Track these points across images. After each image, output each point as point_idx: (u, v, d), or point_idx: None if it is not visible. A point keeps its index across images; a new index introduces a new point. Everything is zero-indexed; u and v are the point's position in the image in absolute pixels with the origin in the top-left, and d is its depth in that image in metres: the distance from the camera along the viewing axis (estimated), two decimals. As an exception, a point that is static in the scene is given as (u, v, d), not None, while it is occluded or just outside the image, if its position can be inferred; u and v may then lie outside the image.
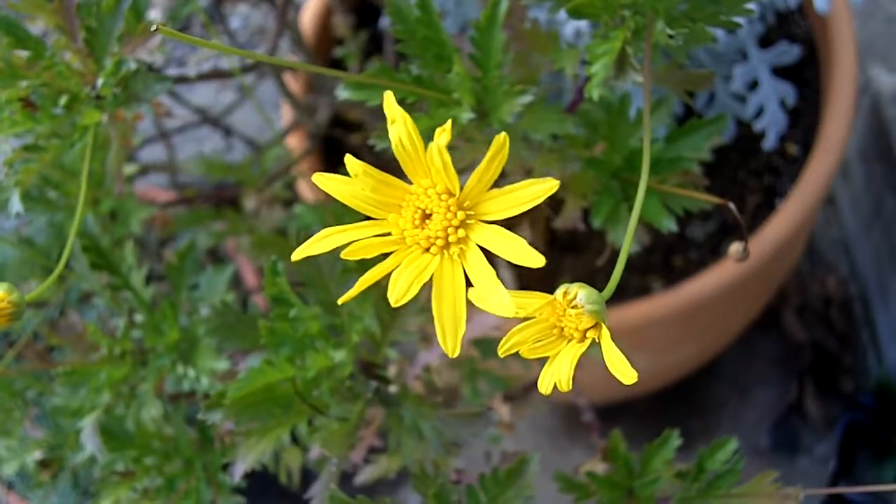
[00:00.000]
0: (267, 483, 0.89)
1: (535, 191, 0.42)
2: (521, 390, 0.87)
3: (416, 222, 0.44)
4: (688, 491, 0.68)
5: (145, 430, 0.75)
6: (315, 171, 1.16)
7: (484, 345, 0.82)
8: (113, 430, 0.73)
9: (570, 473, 0.71)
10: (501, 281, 0.43)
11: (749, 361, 1.48)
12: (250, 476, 0.64)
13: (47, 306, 0.97)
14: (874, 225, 1.41)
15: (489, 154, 0.42)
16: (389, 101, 0.44)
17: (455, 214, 0.43)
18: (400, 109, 0.43)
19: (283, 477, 0.85)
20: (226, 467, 0.75)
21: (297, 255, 0.44)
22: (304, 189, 1.15)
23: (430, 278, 0.44)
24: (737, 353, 1.47)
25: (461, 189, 0.43)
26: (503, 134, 0.42)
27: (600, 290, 0.45)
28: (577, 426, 1.44)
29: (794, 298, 1.48)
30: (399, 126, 0.43)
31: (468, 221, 0.44)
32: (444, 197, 0.43)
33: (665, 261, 1.15)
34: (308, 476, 0.91)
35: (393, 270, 0.43)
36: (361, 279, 0.43)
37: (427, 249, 0.44)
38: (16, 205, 0.64)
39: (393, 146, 0.43)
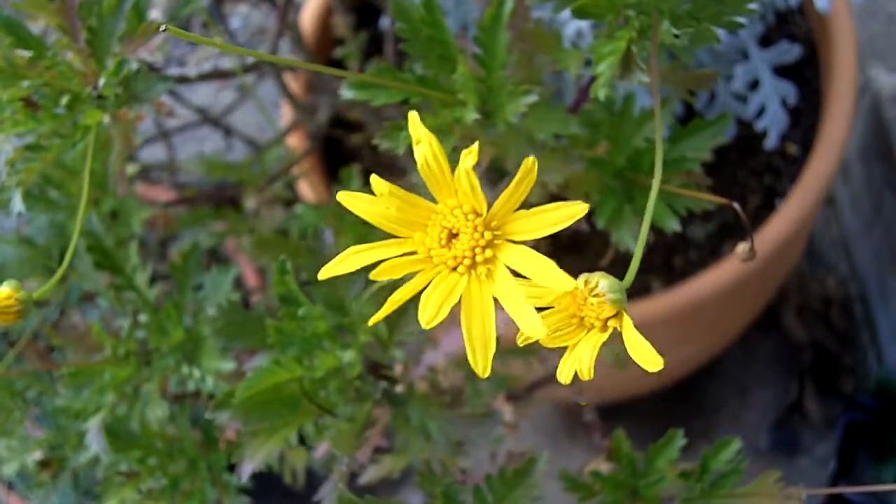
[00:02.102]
0: (270, 483, 0.88)
1: (564, 213, 0.42)
2: (524, 390, 0.87)
3: (443, 242, 0.44)
4: (692, 491, 0.68)
5: (150, 430, 0.75)
6: (315, 172, 1.17)
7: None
8: (117, 431, 0.73)
9: (574, 473, 0.71)
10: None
11: (749, 361, 1.48)
12: (253, 477, 0.64)
13: (48, 306, 0.96)
14: (874, 225, 1.41)
15: (517, 177, 0.42)
16: (415, 121, 0.43)
17: (482, 234, 0.43)
18: (425, 129, 0.43)
19: (288, 477, 0.85)
20: (231, 467, 0.75)
21: (323, 273, 0.44)
22: (304, 189, 1.15)
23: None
24: (737, 354, 1.47)
25: (488, 209, 0.43)
26: (532, 158, 0.41)
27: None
28: (578, 426, 1.44)
29: (794, 298, 1.48)
30: (425, 146, 0.43)
31: (495, 242, 0.44)
32: (470, 217, 0.43)
33: (665, 261, 1.15)
34: (312, 476, 0.91)
35: (421, 291, 0.43)
36: (390, 300, 0.43)
37: (454, 269, 0.44)
38: (17, 204, 0.64)
39: (418, 166, 0.43)
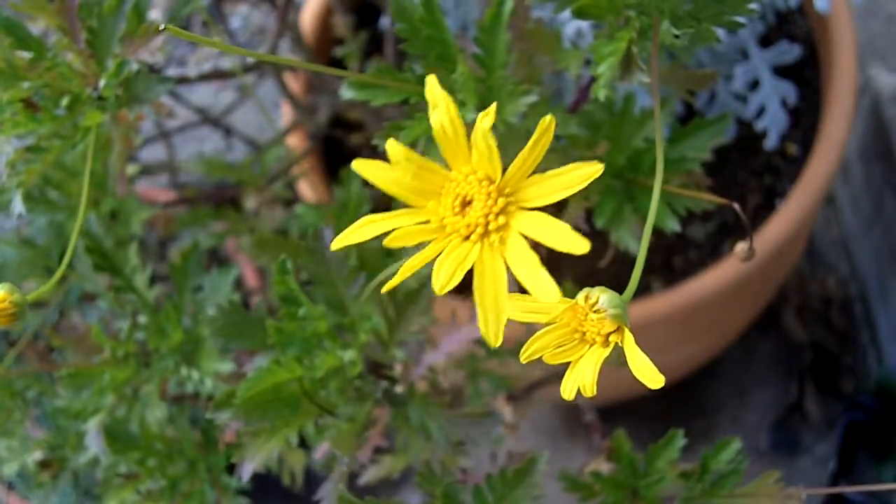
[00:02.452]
0: (269, 485, 0.88)
1: (578, 175, 0.41)
2: (524, 390, 0.87)
3: (456, 209, 0.43)
4: (692, 491, 0.68)
5: (149, 432, 0.75)
6: (315, 172, 1.17)
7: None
8: (117, 433, 0.73)
9: (574, 473, 0.71)
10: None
11: (749, 362, 1.48)
12: (253, 478, 0.64)
13: (47, 307, 0.96)
14: (874, 225, 1.41)
15: (534, 137, 0.41)
16: (432, 85, 0.43)
17: (496, 201, 0.42)
18: (443, 92, 0.42)
19: (287, 479, 0.85)
20: (230, 469, 0.75)
21: (337, 242, 0.44)
22: (304, 189, 1.15)
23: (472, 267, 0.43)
24: (737, 354, 1.47)
25: (503, 174, 0.43)
26: (549, 116, 0.41)
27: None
28: (578, 427, 1.44)
29: (794, 298, 1.48)
30: (441, 111, 0.42)
31: (509, 209, 0.43)
32: (484, 183, 0.43)
33: (665, 261, 1.15)
34: (310, 477, 0.91)
35: (435, 258, 0.43)
36: (405, 265, 0.42)
37: (467, 237, 0.43)
38: (18, 206, 0.64)
39: (434, 131, 0.42)
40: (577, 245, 0.41)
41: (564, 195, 0.42)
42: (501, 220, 0.43)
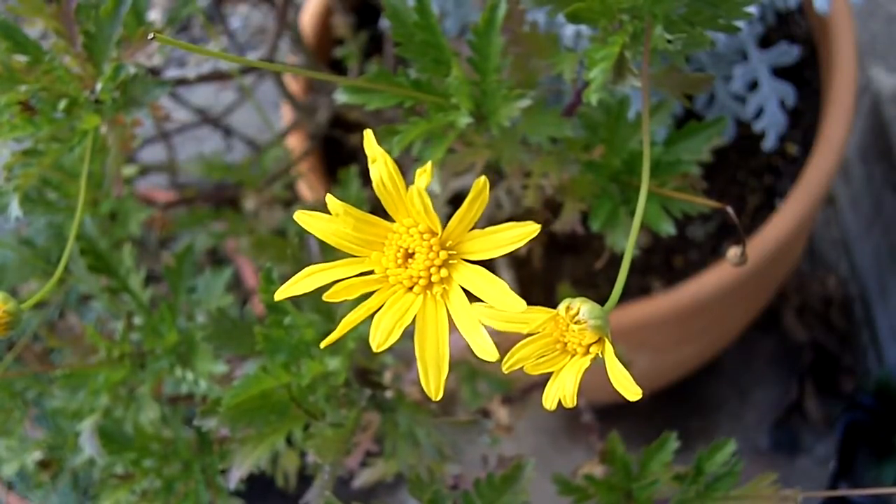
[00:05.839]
0: (265, 485, 0.89)
1: (516, 234, 0.42)
2: (520, 392, 0.87)
3: (399, 261, 0.44)
4: (686, 493, 0.68)
5: (144, 432, 0.75)
6: (315, 172, 1.17)
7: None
8: (111, 433, 0.73)
9: (570, 475, 0.71)
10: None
11: (749, 362, 1.48)
12: (249, 478, 0.64)
13: (47, 308, 0.97)
14: (874, 225, 1.41)
15: (470, 197, 0.42)
16: (369, 140, 0.43)
17: (437, 254, 0.43)
18: (380, 149, 0.43)
19: (280, 480, 0.85)
20: (224, 471, 0.75)
21: (279, 294, 0.44)
22: (303, 190, 1.15)
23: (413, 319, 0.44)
24: (737, 354, 1.47)
25: (443, 228, 0.43)
26: (483, 178, 0.41)
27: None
28: (577, 427, 1.44)
29: (794, 298, 1.48)
30: (380, 165, 0.43)
31: (451, 261, 0.44)
32: (426, 236, 0.43)
33: (665, 261, 1.15)
34: (307, 478, 0.92)
35: (376, 311, 0.43)
36: (344, 321, 0.43)
37: (410, 289, 0.44)
38: (15, 209, 0.64)
39: (374, 185, 0.43)
40: (513, 304, 0.41)
41: (504, 251, 0.43)
42: (444, 272, 0.44)
